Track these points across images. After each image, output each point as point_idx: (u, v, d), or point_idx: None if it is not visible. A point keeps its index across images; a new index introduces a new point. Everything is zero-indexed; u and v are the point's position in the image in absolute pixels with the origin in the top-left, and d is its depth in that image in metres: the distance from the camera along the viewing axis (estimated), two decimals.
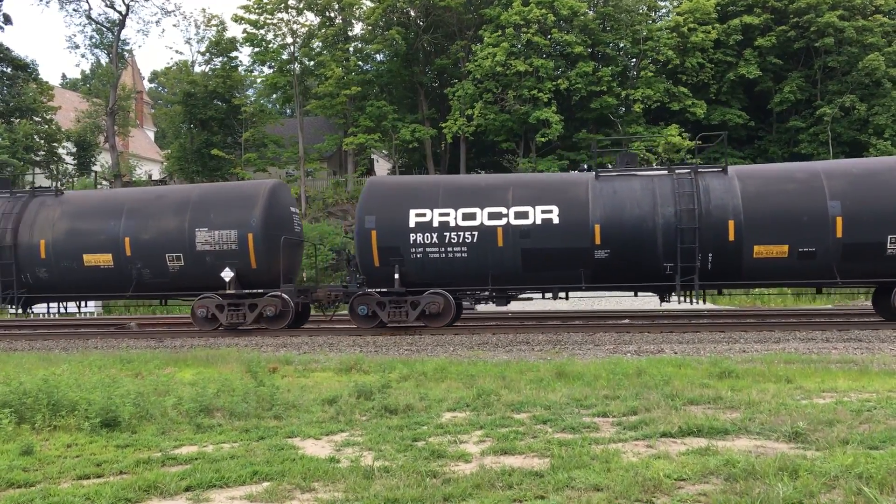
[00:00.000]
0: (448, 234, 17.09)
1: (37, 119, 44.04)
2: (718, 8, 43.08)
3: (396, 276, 17.20)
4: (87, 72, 77.00)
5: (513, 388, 9.08)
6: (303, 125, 46.91)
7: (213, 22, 49.78)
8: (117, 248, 18.31)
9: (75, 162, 47.12)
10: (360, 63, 47.05)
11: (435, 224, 17.16)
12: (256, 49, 47.21)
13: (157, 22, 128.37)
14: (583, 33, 42.18)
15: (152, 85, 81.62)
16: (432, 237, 17.14)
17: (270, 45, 46.74)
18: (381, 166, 55.75)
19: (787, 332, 15.35)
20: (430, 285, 17.42)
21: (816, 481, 4.98)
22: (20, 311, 20.04)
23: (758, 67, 41.96)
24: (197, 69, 50.83)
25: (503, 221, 17.02)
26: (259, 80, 51.06)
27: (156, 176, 55.35)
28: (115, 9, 47.02)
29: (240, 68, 49.88)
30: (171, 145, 53.01)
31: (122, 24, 46.97)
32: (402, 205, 17.50)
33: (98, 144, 48.82)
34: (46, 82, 46.79)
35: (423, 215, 17.27)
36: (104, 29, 48.72)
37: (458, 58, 45.37)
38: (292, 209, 19.93)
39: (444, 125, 43.31)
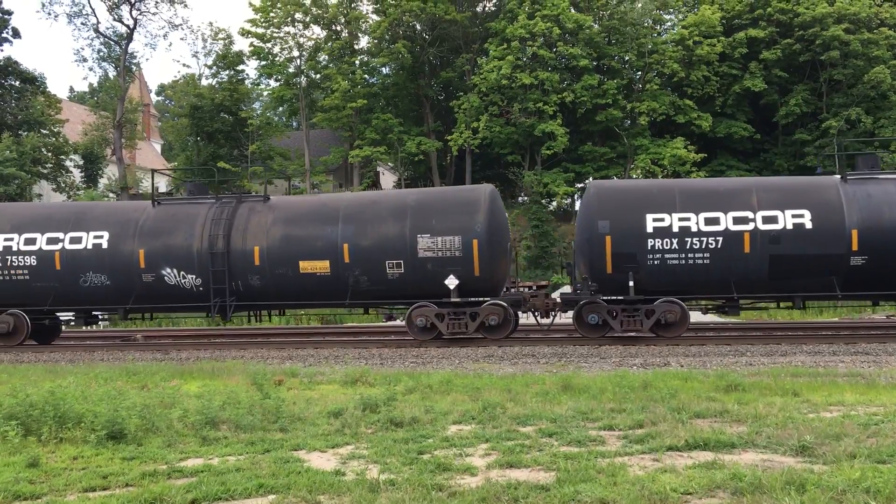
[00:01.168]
0: (689, 239, 16.53)
1: (44, 132, 44.29)
2: (723, 21, 43.22)
3: (631, 283, 16.59)
4: (95, 85, 77.43)
5: (518, 400, 9.06)
6: (308, 138, 47.11)
7: (221, 35, 50.20)
8: (335, 255, 17.54)
9: (83, 174, 47.33)
10: (365, 76, 47.32)
11: (675, 229, 16.59)
12: (263, 62, 47.55)
13: (165, 35, 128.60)
14: (588, 46, 42.34)
15: (159, 98, 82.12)
16: (672, 243, 16.58)
17: (277, 59, 47.08)
18: (387, 179, 55.88)
19: (793, 345, 15.30)
20: (664, 293, 16.79)
21: (823, 496, 4.96)
22: (226, 320, 19.00)
23: (763, 80, 42.06)
24: (204, 82, 51.21)
25: (750, 226, 16.45)
26: (265, 93, 51.44)
27: (163, 189, 55.51)
28: (122, 23, 47.46)
29: (246, 81, 50.22)
30: (177, 158, 53.26)
31: (129, 38, 47.36)
32: (638, 209, 16.91)
33: (105, 157, 49.08)
34: (54, 95, 47.10)
35: (661, 220, 16.70)
36: (112, 42, 49.13)
37: (464, 71, 45.57)
38: (505, 214, 19.36)
39: (449, 138, 43.46)
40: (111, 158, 48.90)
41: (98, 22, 69.62)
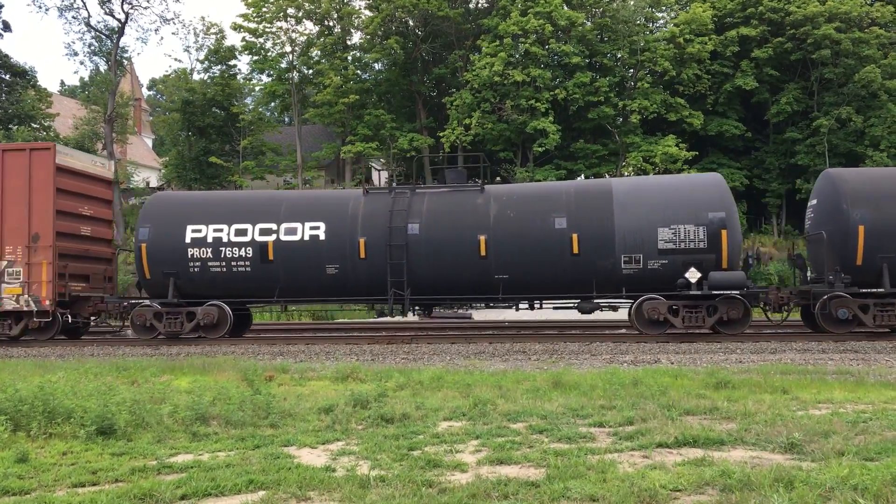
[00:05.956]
0: None
1: (35, 126, 44.06)
2: (715, 19, 43.30)
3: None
4: (86, 79, 77.07)
5: (509, 397, 9.08)
6: (301, 133, 47.00)
7: (212, 30, 49.93)
8: None
9: None
10: (358, 72, 47.21)
11: None
12: (255, 57, 47.43)
13: (156, 30, 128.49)
14: (580, 44, 42.37)
15: (151, 92, 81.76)
16: None
17: (269, 54, 46.94)
18: (379, 175, 55.83)
19: (783, 343, 15.36)
20: None
21: (812, 493, 4.99)
22: None
23: (754, 79, 42.17)
24: (195, 77, 50.97)
25: None
26: (257, 89, 51.23)
27: (153, 183, 55.40)
28: (114, 17, 47.14)
29: (238, 76, 50.04)
30: (168, 153, 53.10)
31: (121, 32, 47.06)
32: None
33: (96, 151, 48.84)
34: (45, 89, 46.86)
35: None
36: (103, 36, 48.83)
37: (456, 67, 45.52)
38: None
39: (441, 134, 43.43)
40: (102, 153, 48.66)
41: (89, 16, 69.37)
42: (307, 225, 18.05)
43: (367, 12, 46.74)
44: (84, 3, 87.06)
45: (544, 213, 17.33)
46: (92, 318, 20.03)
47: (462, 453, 6.51)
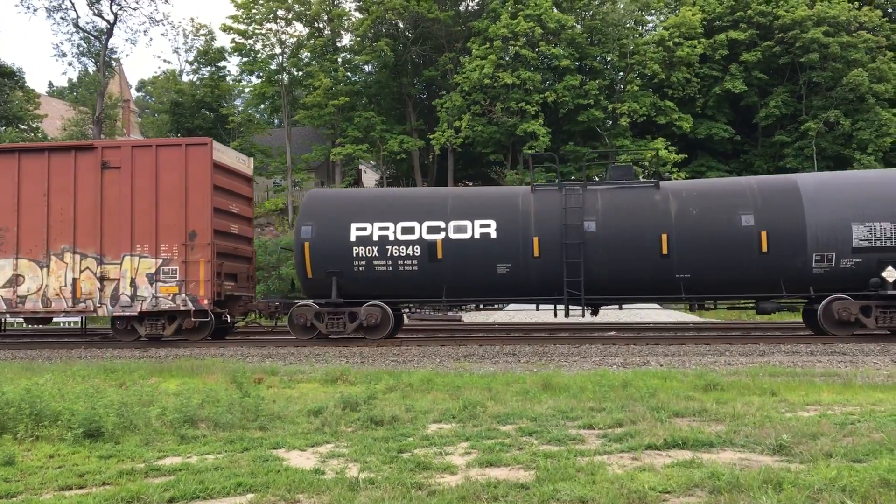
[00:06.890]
0: None
1: (23, 127, 43.82)
2: (704, 23, 43.52)
3: None
4: (74, 80, 76.81)
5: (499, 399, 9.07)
6: (290, 135, 46.94)
7: (202, 31, 49.89)
8: None
9: None
10: (348, 74, 47.22)
11: None
12: (245, 59, 47.33)
13: (145, 31, 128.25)
14: (570, 47, 42.51)
15: (140, 94, 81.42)
16: None
17: (259, 55, 46.86)
18: (369, 177, 55.79)
19: (771, 345, 15.42)
20: None
21: (800, 494, 5.00)
22: None
23: (743, 82, 42.40)
24: (185, 78, 50.87)
25: None
26: (247, 90, 51.13)
27: None
28: (102, 17, 46.99)
29: (228, 78, 49.93)
30: None
31: (109, 33, 46.93)
32: None
33: None
34: (33, 90, 46.60)
35: None
36: (92, 37, 48.66)
37: (447, 69, 45.57)
38: None
39: (431, 136, 43.46)
40: None
41: (78, 17, 69.04)
42: (477, 223, 17.54)
43: (358, 14, 46.82)
44: (73, 4, 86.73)
45: (729, 210, 16.89)
46: (241, 317, 19.69)
47: (451, 455, 6.49)
